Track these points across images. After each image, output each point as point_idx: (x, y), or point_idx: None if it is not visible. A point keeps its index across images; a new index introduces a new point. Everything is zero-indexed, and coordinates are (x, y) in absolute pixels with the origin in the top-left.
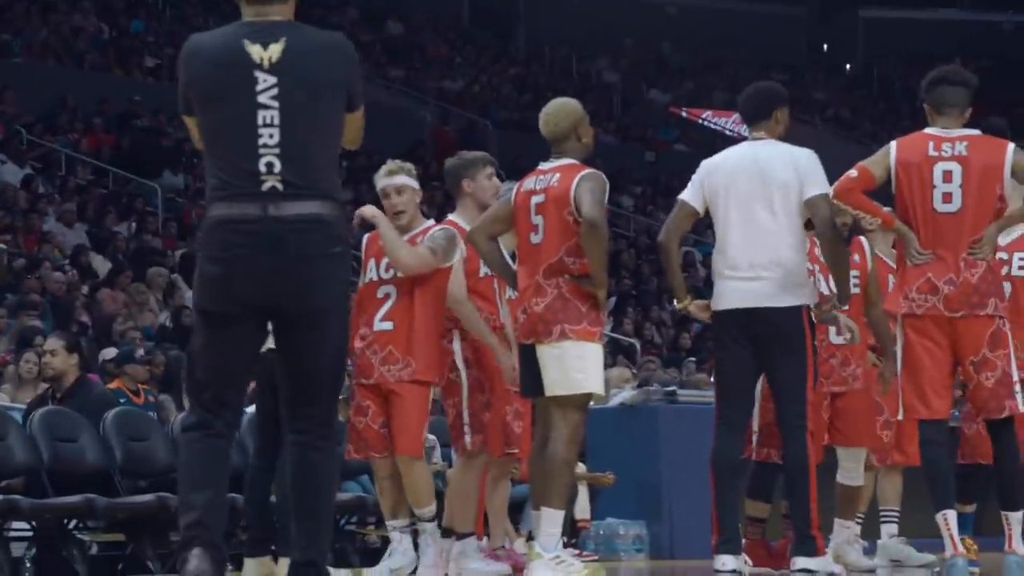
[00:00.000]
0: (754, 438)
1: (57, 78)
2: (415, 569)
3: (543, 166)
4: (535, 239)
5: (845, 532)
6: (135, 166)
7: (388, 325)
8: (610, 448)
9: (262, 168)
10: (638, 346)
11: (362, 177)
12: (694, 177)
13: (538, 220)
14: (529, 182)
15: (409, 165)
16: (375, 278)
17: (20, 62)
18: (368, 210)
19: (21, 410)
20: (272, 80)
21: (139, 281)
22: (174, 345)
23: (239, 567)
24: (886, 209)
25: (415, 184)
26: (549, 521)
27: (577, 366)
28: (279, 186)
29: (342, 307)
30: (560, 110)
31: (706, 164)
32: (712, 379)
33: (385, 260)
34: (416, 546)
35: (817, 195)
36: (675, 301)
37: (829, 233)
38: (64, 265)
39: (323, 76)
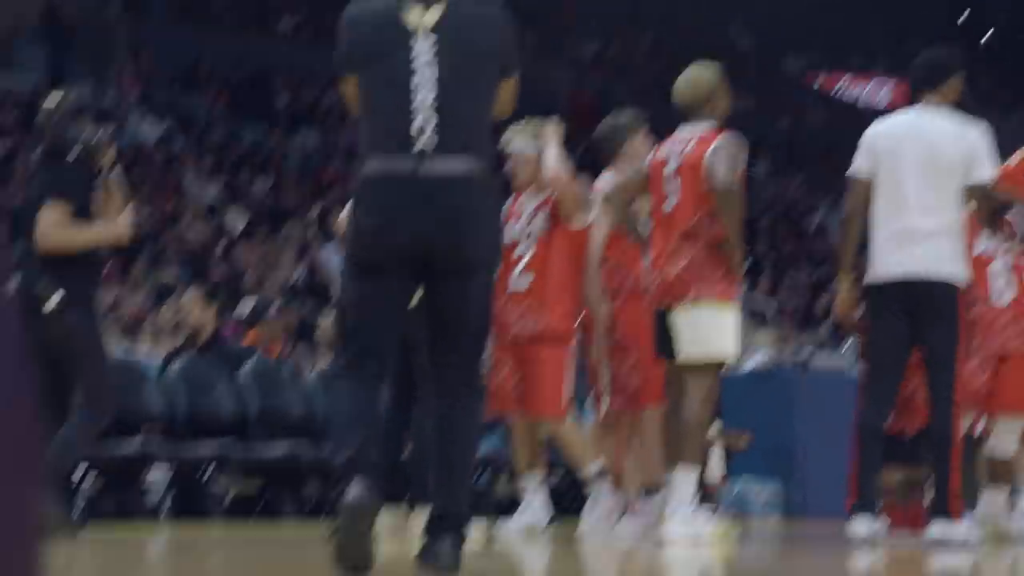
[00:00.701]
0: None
1: (195, 38)
2: (550, 520)
3: (679, 133)
4: (669, 205)
5: (1000, 499)
6: (272, 124)
7: (524, 282)
8: (745, 411)
9: (415, 128)
10: (774, 310)
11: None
12: (860, 147)
13: (673, 186)
14: (665, 149)
15: (534, 126)
16: (508, 240)
17: (157, 22)
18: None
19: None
20: (428, 43)
21: (274, 236)
22: (309, 301)
23: None
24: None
25: (529, 148)
26: (683, 479)
27: (713, 329)
28: (432, 145)
29: (491, 264)
30: (696, 77)
31: (872, 131)
32: (858, 347)
33: (521, 222)
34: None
35: (980, 183)
36: (838, 279)
37: (985, 213)
38: (202, 219)
39: (479, 42)
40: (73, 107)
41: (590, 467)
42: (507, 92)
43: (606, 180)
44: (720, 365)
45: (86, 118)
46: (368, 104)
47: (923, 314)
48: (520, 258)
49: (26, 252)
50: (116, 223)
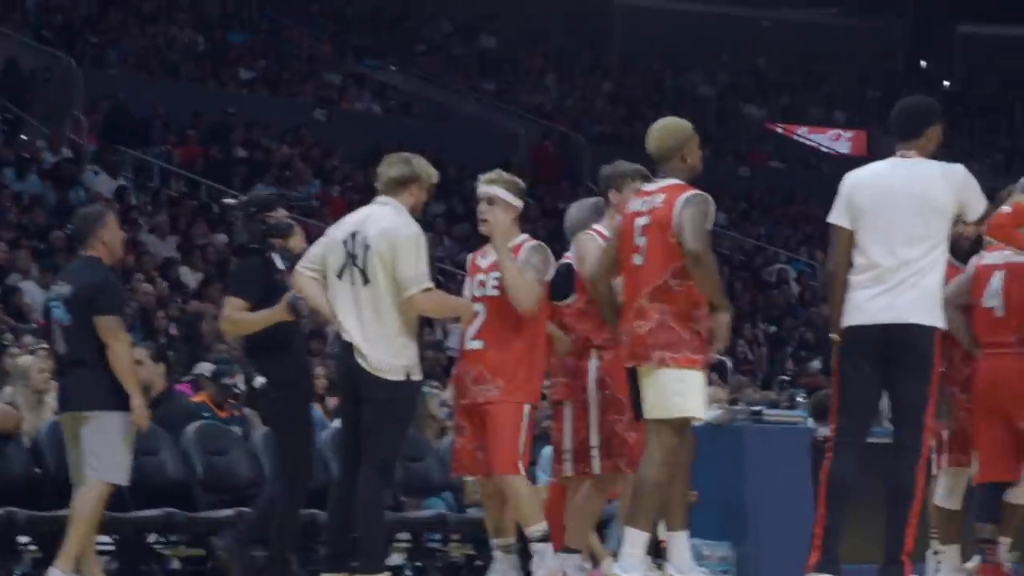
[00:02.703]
0: (976, 457)
1: (152, 89)
2: None
3: (648, 187)
4: (638, 260)
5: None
6: (227, 178)
7: (478, 344)
8: (695, 467)
9: None
10: (729, 364)
11: (453, 189)
12: (839, 196)
13: (641, 242)
14: (635, 203)
15: (513, 179)
16: (469, 296)
17: (115, 73)
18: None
19: None
20: None
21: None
22: None
23: None
24: None
25: (509, 198)
26: (632, 542)
27: (676, 390)
28: None
29: None
30: (665, 129)
31: (852, 179)
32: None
33: (478, 278)
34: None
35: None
36: (831, 333)
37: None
38: (154, 277)
39: None
40: (255, 203)
41: (537, 528)
42: None
43: (604, 227)
44: (684, 425)
45: (272, 209)
46: None
47: (898, 361)
48: (474, 316)
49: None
50: (276, 307)
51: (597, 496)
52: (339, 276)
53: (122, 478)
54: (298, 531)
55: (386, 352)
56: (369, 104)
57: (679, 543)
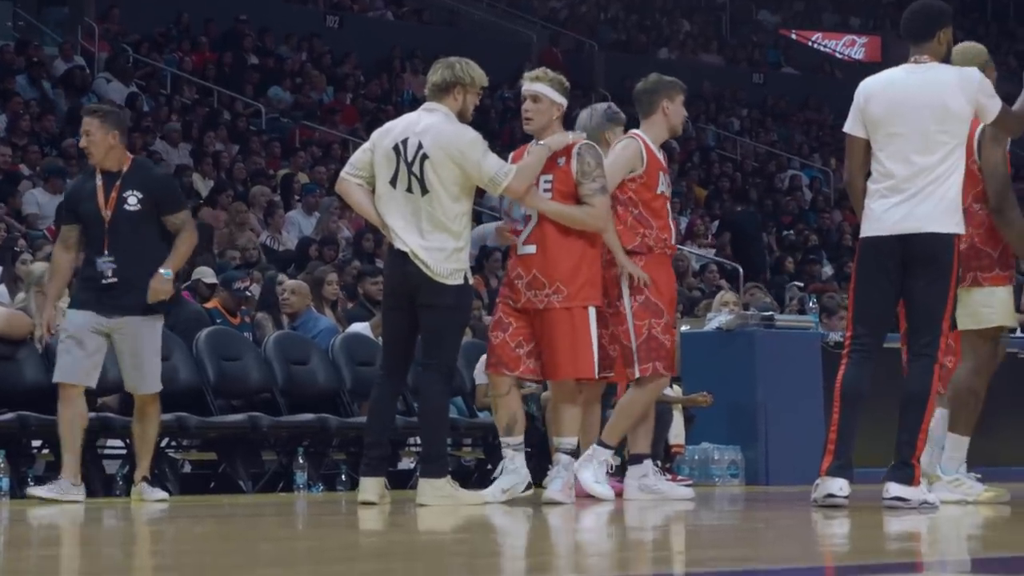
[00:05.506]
0: None
1: None
2: (528, 485)
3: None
4: None
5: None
6: (239, 85)
7: (531, 249)
8: (706, 372)
9: None
10: (741, 270)
11: None
12: (853, 105)
13: None
14: None
15: (558, 77)
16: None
17: None
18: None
19: None
20: None
21: (241, 200)
22: (272, 265)
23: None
24: None
25: (554, 96)
26: (953, 446)
27: (985, 302)
28: None
29: None
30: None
31: (865, 88)
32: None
33: None
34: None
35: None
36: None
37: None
38: None
39: None
40: None
41: (570, 440)
42: None
43: (646, 133)
44: (996, 334)
45: None
46: None
47: (916, 269)
48: (527, 220)
49: None
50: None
51: (644, 397)
52: (392, 184)
53: (58, 375)
54: None
55: (446, 259)
56: (382, 10)
57: (953, 444)
